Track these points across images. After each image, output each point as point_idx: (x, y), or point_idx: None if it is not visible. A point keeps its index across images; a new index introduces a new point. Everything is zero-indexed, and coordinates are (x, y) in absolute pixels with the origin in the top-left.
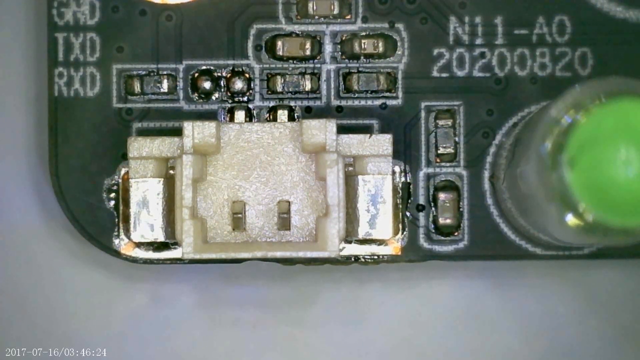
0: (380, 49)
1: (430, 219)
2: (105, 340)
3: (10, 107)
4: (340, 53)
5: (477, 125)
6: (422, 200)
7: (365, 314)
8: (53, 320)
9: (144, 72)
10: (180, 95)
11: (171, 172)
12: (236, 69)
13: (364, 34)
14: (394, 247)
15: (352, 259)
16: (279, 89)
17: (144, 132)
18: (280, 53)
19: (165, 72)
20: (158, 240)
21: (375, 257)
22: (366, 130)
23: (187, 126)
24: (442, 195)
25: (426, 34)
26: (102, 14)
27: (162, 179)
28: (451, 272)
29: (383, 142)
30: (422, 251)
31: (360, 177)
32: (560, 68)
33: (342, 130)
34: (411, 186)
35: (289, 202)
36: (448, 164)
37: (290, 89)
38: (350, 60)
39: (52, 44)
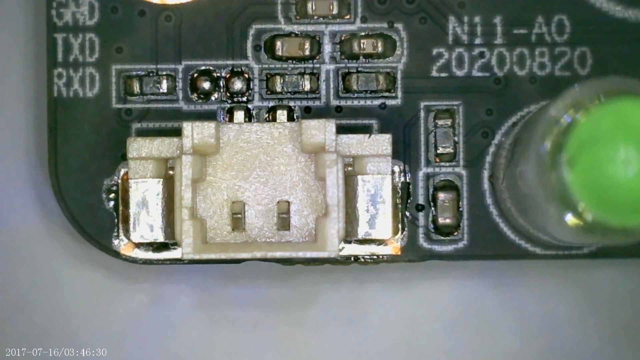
0: (380, 49)
1: (430, 218)
2: (105, 340)
3: (10, 108)
4: (339, 53)
5: (476, 125)
6: (421, 200)
7: (365, 314)
8: (53, 320)
9: (143, 73)
10: (180, 96)
11: (170, 172)
12: (235, 69)
13: (363, 34)
14: (393, 247)
15: (352, 259)
16: (278, 89)
17: (143, 133)
18: (280, 53)
19: (164, 73)
20: (158, 241)
21: (375, 257)
22: (365, 130)
23: (187, 126)
24: (441, 195)
25: (425, 33)
26: (101, 15)
27: (162, 180)
28: (451, 272)
29: (382, 142)
30: (421, 251)
31: (359, 177)
32: (560, 67)
33: (341, 130)
34: (410, 186)
35: (289, 202)
36: (447, 164)
37: (290, 89)
38: (350, 60)
39: (51, 44)
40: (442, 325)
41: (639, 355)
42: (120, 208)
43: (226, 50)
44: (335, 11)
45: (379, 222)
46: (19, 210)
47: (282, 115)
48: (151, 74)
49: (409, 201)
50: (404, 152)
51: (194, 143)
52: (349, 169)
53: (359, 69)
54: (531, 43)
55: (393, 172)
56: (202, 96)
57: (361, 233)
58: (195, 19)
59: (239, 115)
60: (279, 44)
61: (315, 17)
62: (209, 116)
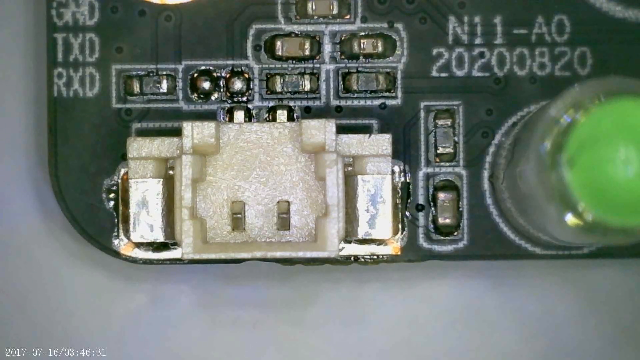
0: (380, 49)
1: (430, 218)
2: (105, 340)
3: (10, 108)
4: (339, 53)
5: (476, 125)
6: (421, 200)
7: (364, 314)
8: (53, 320)
9: (143, 73)
10: (180, 96)
11: (170, 172)
12: (235, 69)
13: (363, 33)
14: (393, 247)
15: (352, 259)
16: (278, 89)
17: (143, 133)
18: (280, 53)
19: (164, 73)
20: (157, 241)
21: (375, 257)
22: (365, 130)
23: (187, 126)
24: (441, 195)
25: (425, 33)
26: (101, 15)
27: (162, 180)
28: (451, 272)
29: (382, 142)
30: (421, 251)
31: (359, 177)
32: (560, 67)
33: (341, 130)
34: (410, 186)
35: (289, 202)
36: (447, 164)
37: (290, 89)
38: (350, 60)
39: (51, 44)
40: (442, 325)
41: (639, 355)
42: (120, 208)
43: (226, 50)
44: (335, 11)
45: (379, 222)
46: (19, 210)
47: (282, 115)
48: (151, 74)
49: (409, 201)
50: (404, 152)
51: (194, 143)
52: (349, 169)
53: (359, 69)
54: (531, 43)
55: (393, 172)
56: (202, 96)
57: (361, 233)
58: (195, 19)
59: (239, 115)
60: (279, 44)
61: (315, 17)
62: (209, 116)
